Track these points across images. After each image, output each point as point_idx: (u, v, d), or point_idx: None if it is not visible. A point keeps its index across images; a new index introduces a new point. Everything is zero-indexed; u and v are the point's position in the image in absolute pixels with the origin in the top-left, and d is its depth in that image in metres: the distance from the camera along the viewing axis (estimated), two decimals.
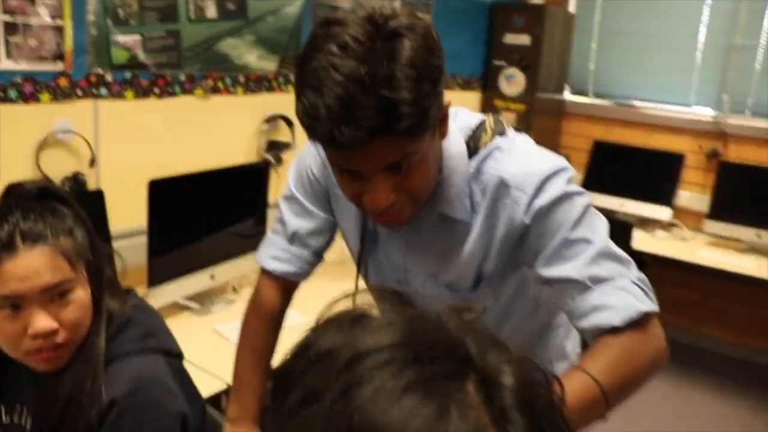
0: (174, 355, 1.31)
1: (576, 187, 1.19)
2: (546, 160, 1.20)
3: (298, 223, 1.44)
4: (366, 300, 0.57)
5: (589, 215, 1.18)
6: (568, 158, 1.25)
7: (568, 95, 4.43)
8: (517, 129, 1.28)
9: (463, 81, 4.04)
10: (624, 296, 1.12)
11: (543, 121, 4.17)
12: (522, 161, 1.19)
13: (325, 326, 0.54)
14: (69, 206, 1.20)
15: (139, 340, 1.24)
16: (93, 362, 1.18)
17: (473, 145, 1.21)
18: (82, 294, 1.17)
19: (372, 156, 1.00)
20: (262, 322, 1.49)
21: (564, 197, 1.16)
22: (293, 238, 1.45)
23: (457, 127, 1.22)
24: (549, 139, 4.20)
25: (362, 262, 1.37)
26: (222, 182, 2.45)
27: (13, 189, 1.19)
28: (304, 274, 1.49)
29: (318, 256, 1.49)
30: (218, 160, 2.50)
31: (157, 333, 1.30)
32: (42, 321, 1.11)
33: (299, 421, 0.50)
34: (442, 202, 1.21)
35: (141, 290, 1.38)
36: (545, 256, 1.17)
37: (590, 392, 1.07)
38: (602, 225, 1.19)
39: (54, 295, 1.12)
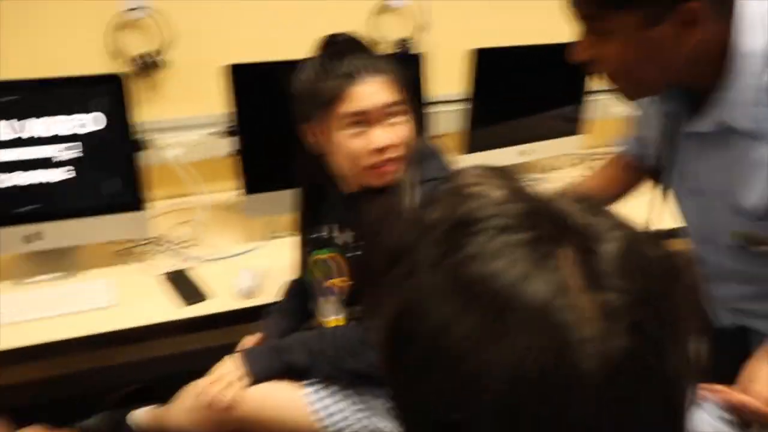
0: None
1: None
2: None
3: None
4: (471, 178, 0.57)
5: None
6: None
7: None
8: None
9: None
10: None
11: None
12: None
13: (432, 203, 0.57)
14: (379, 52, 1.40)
15: (441, 170, 1.41)
16: (407, 181, 1.36)
17: None
18: (410, 118, 1.36)
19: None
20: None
21: None
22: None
23: None
24: None
25: (668, 167, 1.29)
26: (544, 60, 2.40)
27: (331, 38, 1.38)
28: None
29: None
30: (542, 37, 2.47)
31: (449, 167, 1.45)
32: (383, 136, 1.32)
33: (403, 288, 0.53)
34: (725, 109, 1.06)
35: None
36: None
37: None
38: None
39: (391, 113, 1.33)
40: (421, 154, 1.40)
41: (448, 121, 2.37)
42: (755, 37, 1.01)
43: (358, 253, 1.44)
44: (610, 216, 0.52)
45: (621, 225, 0.51)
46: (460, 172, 0.58)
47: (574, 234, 0.50)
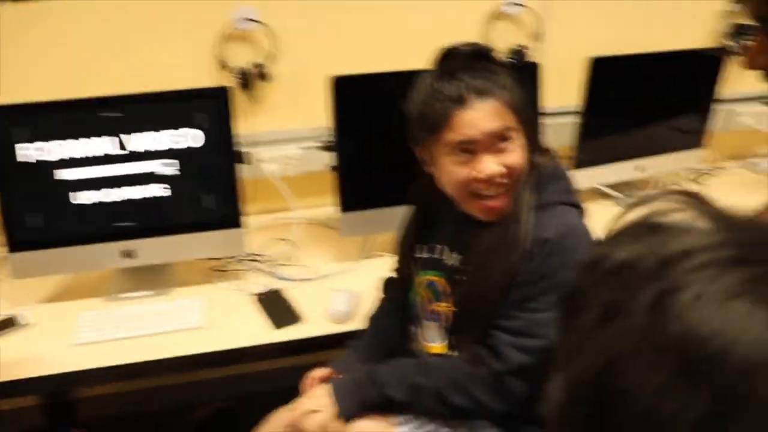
0: (582, 213, 1.37)
1: None
2: None
3: None
4: (657, 208, 0.49)
5: None
6: None
7: None
8: None
9: None
10: None
11: None
12: None
13: (615, 238, 0.49)
14: (501, 65, 1.29)
15: (564, 194, 1.33)
16: (521, 209, 1.29)
17: None
18: (521, 142, 1.28)
19: None
20: None
21: None
22: None
23: None
24: None
25: None
26: (665, 68, 2.22)
27: (451, 52, 1.31)
28: None
29: None
30: (662, 44, 2.27)
31: (574, 190, 1.37)
32: (490, 166, 1.25)
33: (600, 340, 0.45)
34: None
35: None
36: None
37: None
38: None
39: (498, 140, 1.24)
40: (541, 176, 1.32)
41: (559, 133, 2.22)
42: None
43: (464, 278, 1.36)
44: None
45: None
46: (645, 200, 0.51)
47: None
